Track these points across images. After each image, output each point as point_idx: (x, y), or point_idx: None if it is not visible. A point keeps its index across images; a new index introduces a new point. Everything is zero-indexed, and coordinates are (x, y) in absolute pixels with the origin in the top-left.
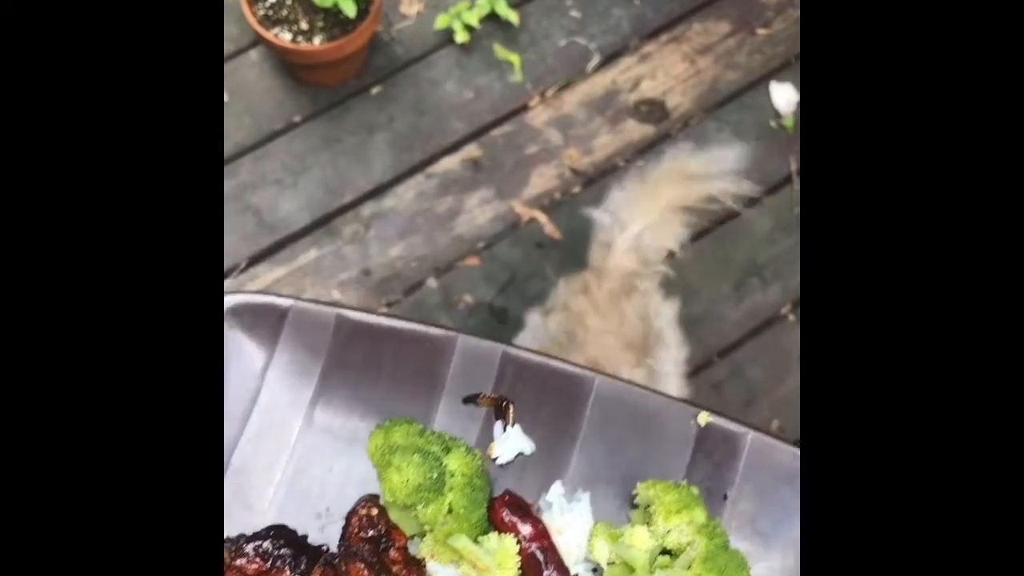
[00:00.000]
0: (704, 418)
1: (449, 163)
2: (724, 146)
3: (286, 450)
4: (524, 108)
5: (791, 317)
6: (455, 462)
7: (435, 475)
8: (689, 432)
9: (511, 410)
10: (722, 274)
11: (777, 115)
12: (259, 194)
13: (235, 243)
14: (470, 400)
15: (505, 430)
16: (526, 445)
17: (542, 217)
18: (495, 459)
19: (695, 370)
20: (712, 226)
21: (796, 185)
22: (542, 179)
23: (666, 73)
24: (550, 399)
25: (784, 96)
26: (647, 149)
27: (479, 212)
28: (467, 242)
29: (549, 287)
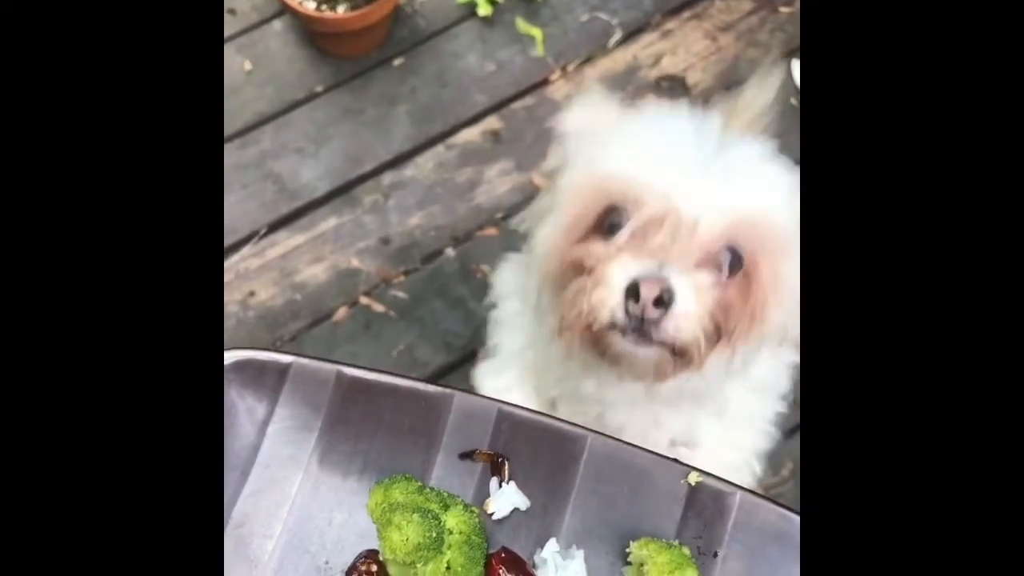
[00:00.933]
0: (694, 477)
1: (469, 135)
2: None
3: (286, 504)
4: (545, 82)
5: None
6: (453, 519)
7: (434, 534)
8: (679, 491)
9: (506, 466)
10: None
11: (797, 92)
12: (280, 162)
13: (255, 210)
14: (466, 456)
15: (500, 486)
16: (521, 501)
17: None
18: (491, 514)
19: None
20: None
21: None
22: (559, 151)
23: (687, 50)
24: (544, 456)
25: None
26: None
27: (498, 183)
28: (486, 212)
29: None
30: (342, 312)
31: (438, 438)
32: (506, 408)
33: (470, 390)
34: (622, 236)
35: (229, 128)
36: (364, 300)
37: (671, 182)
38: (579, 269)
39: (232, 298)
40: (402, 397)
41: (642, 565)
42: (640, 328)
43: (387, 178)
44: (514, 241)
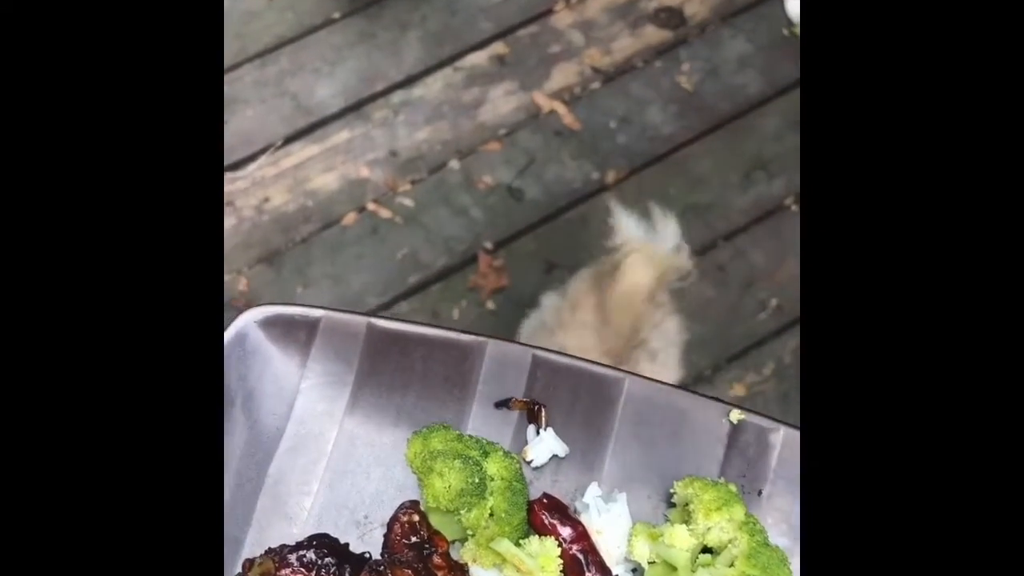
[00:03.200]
0: (736, 415)
1: (476, 59)
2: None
3: (323, 460)
4: (550, 11)
5: (793, 208)
6: (494, 466)
7: (477, 479)
8: (721, 430)
9: (543, 413)
10: (731, 165)
11: (790, 23)
12: (297, 81)
13: (272, 124)
14: (502, 404)
15: (538, 433)
16: (559, 448)
17: (562, 108)
18: (530, 462)
19: (702, 250)
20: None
21: None
22: (563, 75)
23: None
24: (582, 401)
25: (798, 5)
26: (664, 52)
27: (502, 102)
28: (489, 129)
29: (565, 172)
30: (351, 217)
31: (472, 387)
32: (541, 354)
33: (503, 337)
34: None
35: (250, 48)
36: (372, 206)
37: None
38: None
39: (248, 203)
40: (434, 347)
41: (687, 504)
42: None
43: (397, 97)
44: (515, 155)
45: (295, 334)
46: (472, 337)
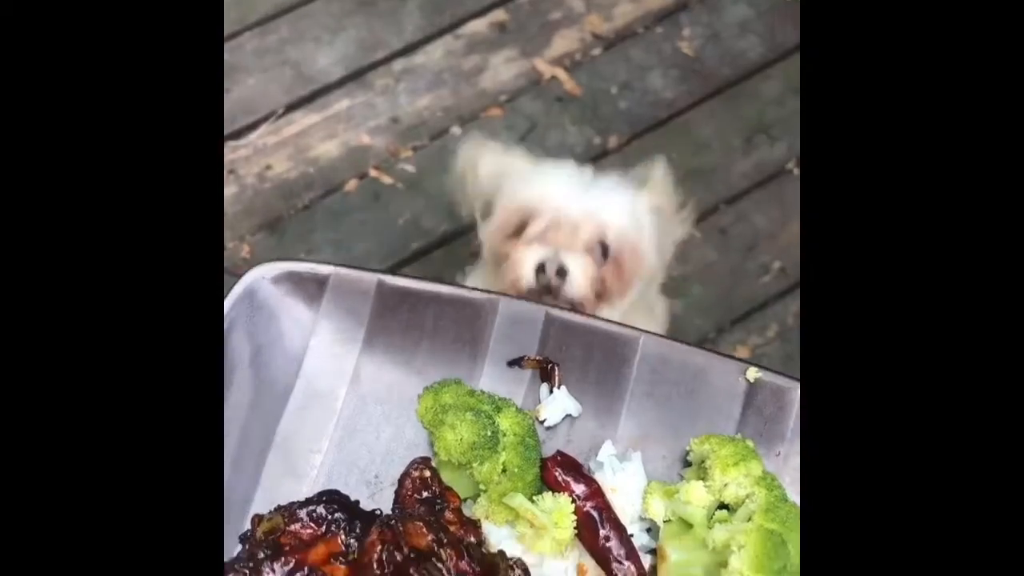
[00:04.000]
0: (753, 373)
1: (477, 26)
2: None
3: (332, 418)
4: None
5: (795, 171)
6: (507, 421)
7: (489, 432)
8: (738, 388)
9: (556, 372)
10: (732, 129)
11: None
12: (297, 49)
13: (273, 92)
14: (514, 363)
15: (551, 392)
16: (573, 407)
17: (563, 74)
18: (543, 421)
19: (703, 215)
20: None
21: None
22: (564, 41)
23: None
24: (596, 359)
25: None
26: (665, 18)
27: (503, 69)
28: (490, 95)
29: (567, 138)
30: (352, 184)
31: (484, 345)
32: (554, 312)
33: (515, 296)
34: (532, 233)
35: (250, 17)
36: (374, 173)
37: (562, 202)
38: (506, 256)
39: (250, 171)
40: (445, 304)
41: (703, 461)
42: (549, 290)
43: (398, 64)
44: (517, 121)
45: (304, 290)
46: (484, 294)
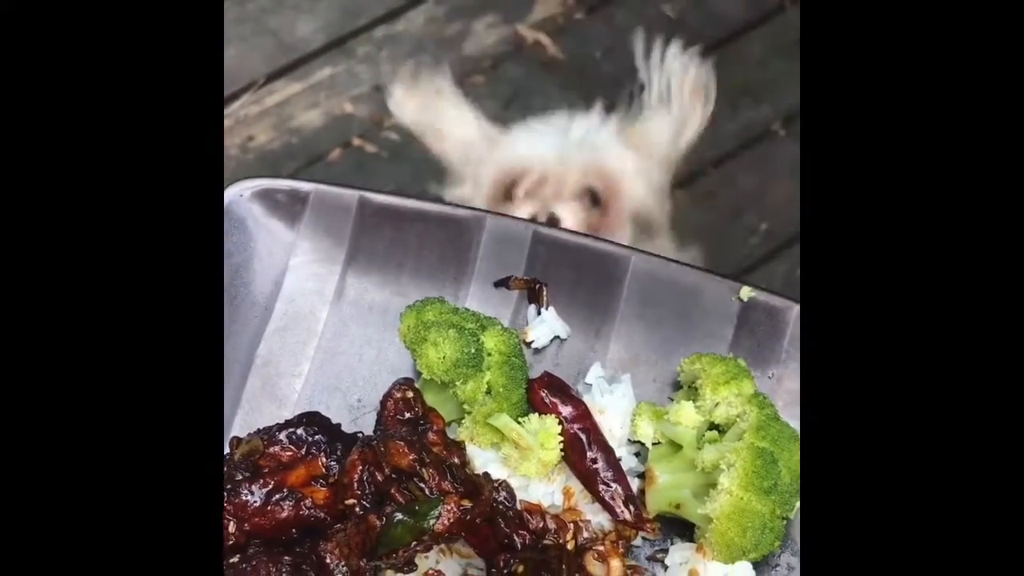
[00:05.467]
0: (746, 292)
1: None
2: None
3: (313, 340)
4: None
5: (781, 132)
6: (492, 340)
7: (473, 350)
8: (731, 308)
9: (544, 292)
10: (718, 92)
11: None
12: (277, 18)
13: (254, 62)
14: (501, 284)
15: (539, 313)
16: (561, 328)
17: (546, 40)
18: (530, 344)
19: (690, 178)
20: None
21: (788, 14)
22: (546, 6)
23: None
24: (585, 280)
25: None
26: None
27: (485, 35)
28: (473, 61)
29: (552, 104)
30: (336, 153)
31: (470, 265)
32: (543, 230)
33: (502, 213)
34: (520, 193)
35: None
36: (357, 142)
37: (545, 158)
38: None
39: (232, 142)
40: (430, 221)
41: (693, 381)
42: None
43: (380, 31)
44: (500, 87)
45: (284, 208)
46: (470, 212)
